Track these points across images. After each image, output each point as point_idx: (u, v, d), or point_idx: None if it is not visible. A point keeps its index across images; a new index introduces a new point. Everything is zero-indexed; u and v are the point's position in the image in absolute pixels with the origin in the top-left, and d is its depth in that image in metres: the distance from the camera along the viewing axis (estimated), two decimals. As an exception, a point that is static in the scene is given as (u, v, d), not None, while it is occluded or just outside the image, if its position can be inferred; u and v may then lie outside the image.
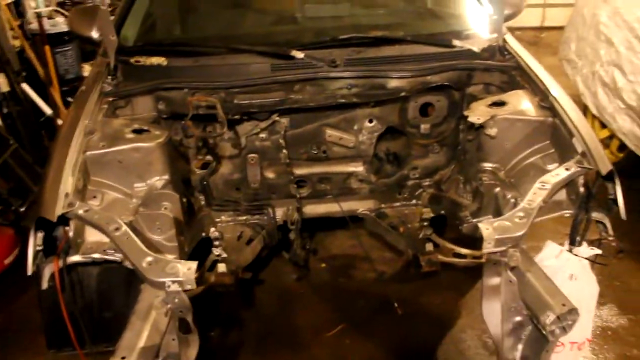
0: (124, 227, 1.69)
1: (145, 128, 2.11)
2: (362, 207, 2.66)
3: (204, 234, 2.40)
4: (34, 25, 4.43)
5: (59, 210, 1.72)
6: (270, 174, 2.55)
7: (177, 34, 2.80)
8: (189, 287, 1.55)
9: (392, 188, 2.67)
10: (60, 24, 4.55)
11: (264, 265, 3.03)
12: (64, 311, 1.72)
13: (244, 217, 2.58)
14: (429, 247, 2.43)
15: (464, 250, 2.53)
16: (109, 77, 2.33)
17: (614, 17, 4.12)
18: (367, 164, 2.59)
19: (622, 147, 3.83)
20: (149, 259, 1.59)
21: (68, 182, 1.82)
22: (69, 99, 4.56)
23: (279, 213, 2.58)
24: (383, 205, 2.68)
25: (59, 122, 4.38)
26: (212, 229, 2.31)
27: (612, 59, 3.99)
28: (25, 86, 4.26)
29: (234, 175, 2.55)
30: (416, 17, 2.97)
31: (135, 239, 1.67)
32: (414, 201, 2.69)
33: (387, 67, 2.31)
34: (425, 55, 2.40)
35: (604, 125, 3.97)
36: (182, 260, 1.60)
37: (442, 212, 2.54)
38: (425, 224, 2.44)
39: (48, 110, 4.39)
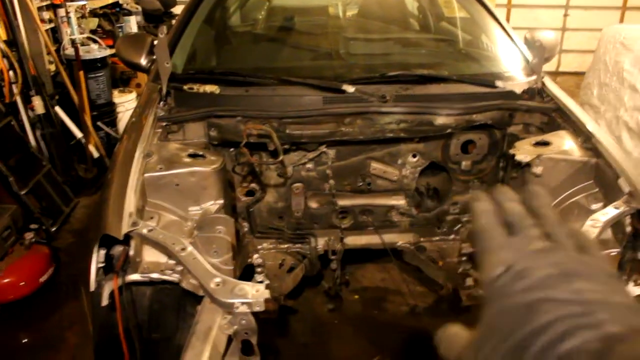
0: (190, 248, 1.71)
1: (200, 153, 2.16)
2: (401, 240, 2.69)
3: (249, 260, 2.42)
4: (69, 51, 4.53)
5: (125, 228, 1.74)
6: (313, 204, 2.59)
7: (226, 64, 2.86)
8: (257, 309, 1.57)
9: (431, 222, 2.70)
10: (93, 51, 4.65)
11: (297, 295, 3.04)
12: (120, 329, 1.74)
13: (286, 246, 2.61)
14: (470, 281, 2.46)
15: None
16: (161, 102, 2.39)
17: (637, 64, 4.23)
18: (409, 198, 2.63)
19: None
20: (217, 279, 1.61)
21: (131, 202, 1.84)
22: (99, 124, 4.65)
23: (320, 243, 2.61)
24: (422, 239, 2.71)
25: (90, 147, 4.45)
26: (255, 256, 2.33)
27: (637, 105, 4.09)
28: (58, 109, 4.35)
29: (278, 204, 2.58)
30: (457, 57, 3.05)
31: (202, 259, 1.69)
32: (452, 236, 2.72)
33: (435, 105, 2.35)
34: (469, 94, 2.46)
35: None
36: (250, 283, 1.62)
37: None
38: (464, 258, 2.47)
39: (79, 134, 4.47)
